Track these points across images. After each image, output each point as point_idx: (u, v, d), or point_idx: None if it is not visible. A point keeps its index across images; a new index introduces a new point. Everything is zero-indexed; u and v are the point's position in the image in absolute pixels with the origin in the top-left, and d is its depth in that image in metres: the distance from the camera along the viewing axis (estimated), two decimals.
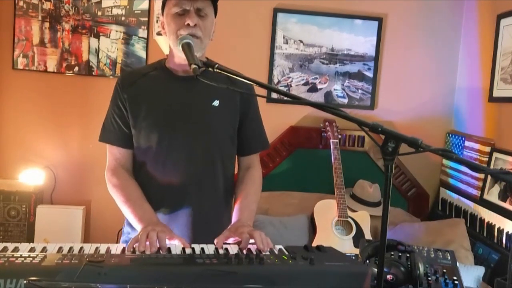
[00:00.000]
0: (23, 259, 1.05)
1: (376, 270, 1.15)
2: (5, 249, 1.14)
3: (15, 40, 3.15)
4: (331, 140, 3.04)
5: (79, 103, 3.22)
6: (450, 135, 3.27)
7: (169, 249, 1.25)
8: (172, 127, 1.56)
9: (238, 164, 1.73)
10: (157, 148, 1.57)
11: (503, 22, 2.82)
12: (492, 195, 2.71)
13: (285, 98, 1.28)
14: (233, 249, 1.29)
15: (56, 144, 3.23)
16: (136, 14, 3.20)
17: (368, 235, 2.81)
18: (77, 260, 1.06)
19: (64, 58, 3.19)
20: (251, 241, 1.32)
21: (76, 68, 3.21)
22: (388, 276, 1.38)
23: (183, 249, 1.26)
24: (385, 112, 3.37)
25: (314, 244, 1.42)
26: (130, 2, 3.19)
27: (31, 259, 1.05)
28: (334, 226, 2.80)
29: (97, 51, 3.21)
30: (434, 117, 3.39)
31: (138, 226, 1.45)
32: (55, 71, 3.19)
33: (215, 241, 1.32)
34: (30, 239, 3.07)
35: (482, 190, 2.80)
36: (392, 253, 1.44)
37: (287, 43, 3.28)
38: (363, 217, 2.88)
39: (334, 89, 3.34)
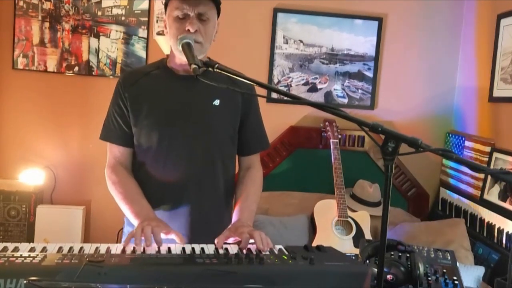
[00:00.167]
0: (23, 259, 1.05)
1: (376, 270, 1.15)
2: (5, 249, 1.14)
3: (15, 40, 3.15)
4: (331, 140, 3.04)
5: (79, 103, 3.22)
6: (450, 135, 3.27)
7: (169, 249, 1.25)
8: (172, 127, 1.56)
9: (239, 164, 1.74)
10: (157, 147, 1.57)
11: (503, 22, 2.82)
12: (492, 195, 2.71)
13: (285, 98, 1.28)
14: (233, 249, 1.29)
15: (56, 144, 3.23)
16: (136, 14, 3.20)
17: (368, 235, 2.81)
18: (77, 260, 1.06)
19: (64, 58, 3.19)
20: (251, 241, 1.32)
21: (76, 68, 3.21)
22: (388, 276, 1.38)
23: (183, 249, 1.26)
24: (385, 112, 3.37)
25: (314, 244, 1.42)
26: (130, 2, 3.19)
27: (31, 259, 1.05)
28: (334, 226, 2.80)
29: (97, 51, 3.21)
30: (434, 117, 3.39)
31: (135, 222, 1.46)
32: (55, 71, 3.19)
33: (216, 241, 1.32)
34: (30, 239, 3.07)
35: (482, 190, 2.80)
36: (392, 253, 1.44)
37: (287, 43, 3.28)
38: (363, 217, 2.88)
39: (334, 89, 3.34)
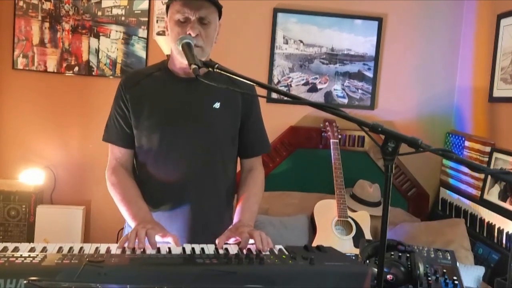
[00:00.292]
0: (23, 259, 1.05)
1: (376, 270, 1.15)
2: (5, 249, 1.14)
3: (15, 40, 3.15)
4: (331, 140, 3.04)
5: (79, 103, 3.22)
6: (450, 135, 3.27)
7: (169, 249, 1.25)
8: (173, 127, 1.57)
9: (241, 166, 1.74)
10: (158, 148, 1.57)
11: (503, 22, 2.82)
12: (492, 195, 2.71)
13: (285, 98, 1.28)
14: (233, 249, 1.29)
15: (56, 144, 3.23)
16: (136, 14, 3.20)
17: (368, 235, 2.81)
18: (77, 260, 1.06)
19: (64, 58, 3.19)
20: (251, 241, 1.32)
21: (76, 68, 3.21)
22: (388, 276, 1.38)
23: (183, 249, 1.26)
24: (385, 112, 3.37)
25: (314, 244, 1.42)
26: (130, 2, 3.19)
27: (31, 259, 1.05)
28: (334, 226, 2.80)
29: (97, 51, 3.21)
30: (434, 117, 3.39)
31: (132, 224, 1.46)
32: (55, 71, 3.19)
33: (216, 242, 1.32)
34: (30, 239, 3.06)
35: (482, 190, 2.79)
36: (392, 253, 1.44)
37: (287, 43, 3.28)
38: (363, 217, 2.88)
39: (334, 89, 3.34)
